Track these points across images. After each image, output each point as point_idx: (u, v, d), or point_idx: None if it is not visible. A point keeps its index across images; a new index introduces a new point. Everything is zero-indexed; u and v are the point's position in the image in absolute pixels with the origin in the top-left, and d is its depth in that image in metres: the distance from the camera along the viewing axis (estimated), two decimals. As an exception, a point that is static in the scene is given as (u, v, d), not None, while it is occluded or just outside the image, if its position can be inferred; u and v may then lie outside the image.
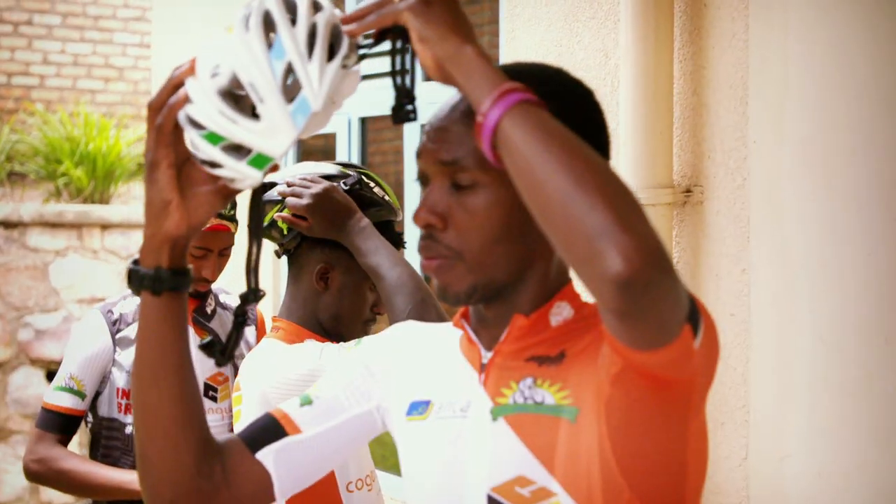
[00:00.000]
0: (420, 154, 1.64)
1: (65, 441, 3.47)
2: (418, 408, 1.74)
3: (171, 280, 1.65)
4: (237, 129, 1.53)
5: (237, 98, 1.55)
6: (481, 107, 1.43)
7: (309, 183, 2.65)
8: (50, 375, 8.48)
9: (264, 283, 4.79)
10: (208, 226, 3.44)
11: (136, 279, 1.65)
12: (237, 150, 1.56)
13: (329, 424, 1.77)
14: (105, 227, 9.30)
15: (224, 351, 1.70)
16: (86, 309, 8.85)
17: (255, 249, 1.67)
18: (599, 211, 1.32)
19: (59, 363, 3.61)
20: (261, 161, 1.55)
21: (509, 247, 1.61)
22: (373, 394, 1.80)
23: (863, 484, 2.72)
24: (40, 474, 3.44)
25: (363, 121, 5.31)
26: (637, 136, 3.14)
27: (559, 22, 3.61)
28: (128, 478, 3.37)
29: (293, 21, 1.54)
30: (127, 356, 3.48)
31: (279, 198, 2.74)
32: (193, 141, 1.57)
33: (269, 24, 1.54)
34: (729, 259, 3.06)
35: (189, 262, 3.35)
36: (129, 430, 3.51)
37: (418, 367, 1.78)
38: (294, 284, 2.82)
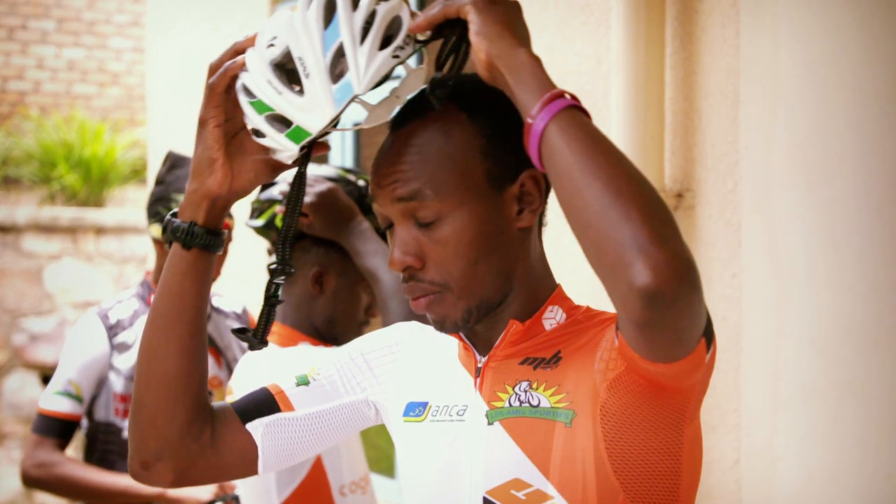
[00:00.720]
0: (374, 197, 1.64)
1: (63, 446, 3.46)
2: (415, 409, 1.75)
3: (203, 237, 1.67)
4: (280, 99, 1.57)
5: (290, 72, 1.59)
6: (530, 109, 1.45)
7: (312, 182, 2.68)
8: (45, 379, 8.48)
9: (257, 287, 4.80)
10: None
11: (171, 229, 1.68)
12: (281, 121, 1.59)
13: (322, 407, 1.79)
14: (99, 231, 9.31)
15: (256, 333, 1.72)
16: (80, 313, 8.85)
17: (292, 223, 1.69)
18: (634, 221, 1.34)
19: (53, 367, 3.60)
20: (299, 135, 1.59)
21: (489, 263, 1.63)
22: (367, 386, 1.81)
23: (854, 487, 2.73)
24: (40, 480, 3.43)
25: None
26: (629, 140, 3.14)
27: (551, 28, 3.62)
28: (130, 483, 3.37)
29: (355, 6, 1.57)
30: (124, 361, 3.48)
31: (280, 197, 2.76)
32: (243, 107, 1.61)
33: (331, 7, 1.58)
34: (720, 263, 3.07)
35: None
36: (125, 434, 3.51)
37: (417, 368, 1.79)
38: (288, 288, 2.83)
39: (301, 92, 1.57)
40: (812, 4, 2.81)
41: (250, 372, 2.64)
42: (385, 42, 1.57)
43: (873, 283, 2.68)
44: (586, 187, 1.38)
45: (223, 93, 1.64)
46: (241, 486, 2.82)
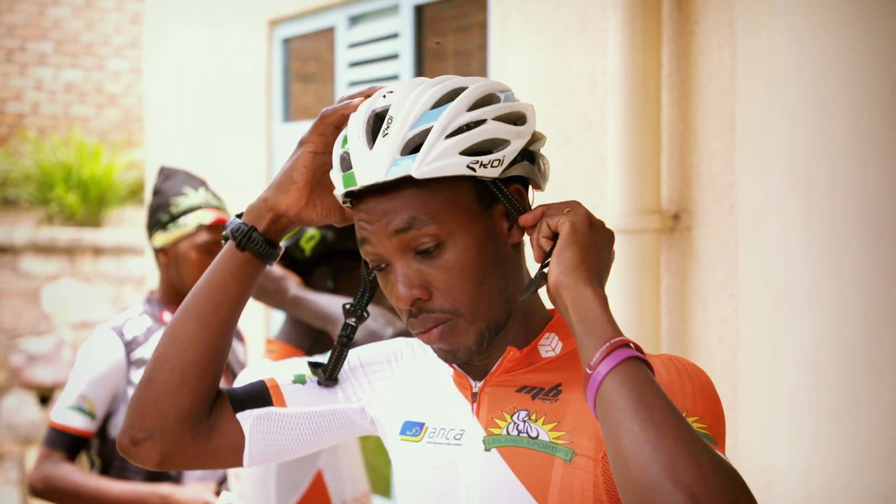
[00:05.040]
0: (366, 240, 1.63)
1: (70, 460, 3.46)
2: (412, 428, 1.75)
3: (259, 244, 1.72)
4: (356, 142, 1.60)
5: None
6: (590, 357, 1.44)
7: None
8: (42, 400, 8.47)
9: (252, 305, 4.78)
10: (214, 220, 3.51)
11: (233, 226, 1.73)
12: (349, 161, 1.62)
13: (315, 408, 1.79)
14: (97, 251, 9.32)
15: (325, 370, 1.77)
16: (78, 333, 8.85)
17: (364, 268, 1.75)
18: None
19: (51, 388, 3.60)
20: (349, 180, 1.61)
21: (493, 283, 1.62)
22: (363, 396, 1.81)
23: (850, 508, 2.73)
24: (45, 492, 3.44)
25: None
26: (625, 162, 3.15)
27: (547, 49, 3.63)
28: (135, 490, 3.36)
29: (472, 108, 1.60)
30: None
31: None
32: (338, 138, 1.67)
33: (452, 97, 1.61)
34: (716, 284, 3.08)
35: (200, 263, 3.44)
36: None
37: (414, 386, 1.79)
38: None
39: (373, 146, 1.59)
40: (808, 26, 2.82)
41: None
42: (474, 151, 1.58)
43: (870, 305, 2.68)
44: (634, 455, 1.36)
45: (331, 125, 1.70)
46: (240, 501, 2.83)
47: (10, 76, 11.29)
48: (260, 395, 1.77)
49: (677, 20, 3.18)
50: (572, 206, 1.58)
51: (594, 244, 1.55)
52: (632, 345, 1.44)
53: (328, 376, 1.77)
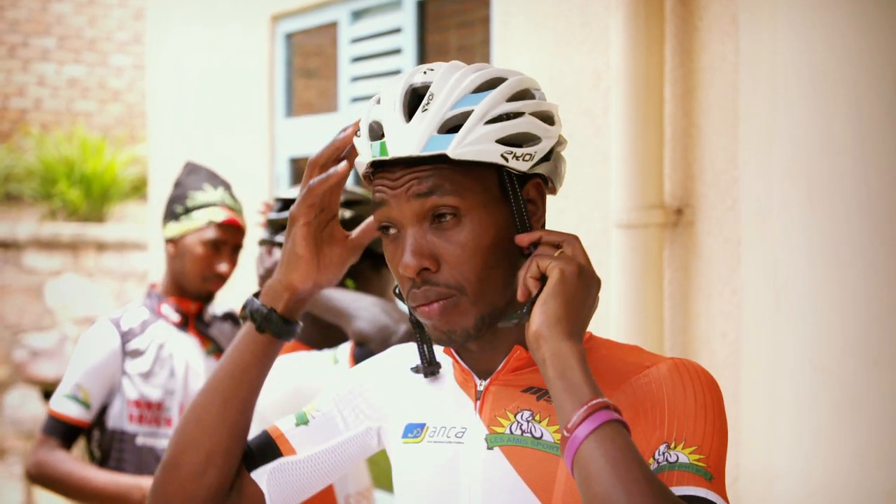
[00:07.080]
0: (384, 202, 1.61)
1: (66, 447, 3.49)
2: (413, 430, 1.74)
3: (278, 325, 1.72)
4: (390, 112, 1.60)
5: (419, 101, 1.62)
6: (568, 418, 1.44)
7: (266, 256, 2.82)
8: (46, 395, 8.48)
9: (239, 289, 4.81)
10: (225, 219, 3.54)
11: (251, 308, 1.73)
12: (380, 131, 1.61)
13: (324, 446, 1.78)
14: (100, 247, 9.32)
15: (423, 363, 1.76)
16: (81, 328, 8.86)
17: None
18: None
19: (54, 383, 3.63)
20: (380, 149, 1.60)
21: (502, 269, 1.61)
22: (369, 413, 1.81)
23: (853, 504, 2.73)
24: (39, 477, 3.47)
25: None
26: (628, 157, 3.15)
27: (550, 45, 3.63)
28: (118, 482, 3.38)
29: (513, 99, 1.61)
30: (136, 366, 3.51)
31: None
32: (365, 111, 1.66)
33: (492, 85, 1.62)
34: (719, 279, 3.08)
35: (203, 258, 3.47)
36: (139, 441, 3.53)
37: (414, 389, 1.78)
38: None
39: (410, 120, 1.59)
40: (811, 21, 2.81)
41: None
42: (509, 142, 1.59)
43: (873, 301, 2.68)
44: None
45: (319, 195, 1.68)
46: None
47: (13, 72, 11.30)
48: (269, 449, 1.77)
49: (680, 15, 3.18)
50: (568, 244, 1.57)
51: (580, 296, 1.53)
52: (610, 406, 1.43)
53: (430, 364, 1.76)
